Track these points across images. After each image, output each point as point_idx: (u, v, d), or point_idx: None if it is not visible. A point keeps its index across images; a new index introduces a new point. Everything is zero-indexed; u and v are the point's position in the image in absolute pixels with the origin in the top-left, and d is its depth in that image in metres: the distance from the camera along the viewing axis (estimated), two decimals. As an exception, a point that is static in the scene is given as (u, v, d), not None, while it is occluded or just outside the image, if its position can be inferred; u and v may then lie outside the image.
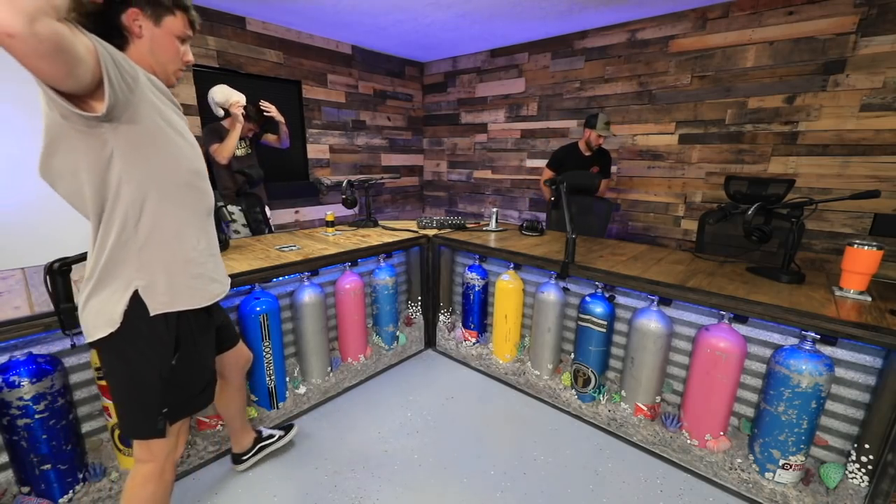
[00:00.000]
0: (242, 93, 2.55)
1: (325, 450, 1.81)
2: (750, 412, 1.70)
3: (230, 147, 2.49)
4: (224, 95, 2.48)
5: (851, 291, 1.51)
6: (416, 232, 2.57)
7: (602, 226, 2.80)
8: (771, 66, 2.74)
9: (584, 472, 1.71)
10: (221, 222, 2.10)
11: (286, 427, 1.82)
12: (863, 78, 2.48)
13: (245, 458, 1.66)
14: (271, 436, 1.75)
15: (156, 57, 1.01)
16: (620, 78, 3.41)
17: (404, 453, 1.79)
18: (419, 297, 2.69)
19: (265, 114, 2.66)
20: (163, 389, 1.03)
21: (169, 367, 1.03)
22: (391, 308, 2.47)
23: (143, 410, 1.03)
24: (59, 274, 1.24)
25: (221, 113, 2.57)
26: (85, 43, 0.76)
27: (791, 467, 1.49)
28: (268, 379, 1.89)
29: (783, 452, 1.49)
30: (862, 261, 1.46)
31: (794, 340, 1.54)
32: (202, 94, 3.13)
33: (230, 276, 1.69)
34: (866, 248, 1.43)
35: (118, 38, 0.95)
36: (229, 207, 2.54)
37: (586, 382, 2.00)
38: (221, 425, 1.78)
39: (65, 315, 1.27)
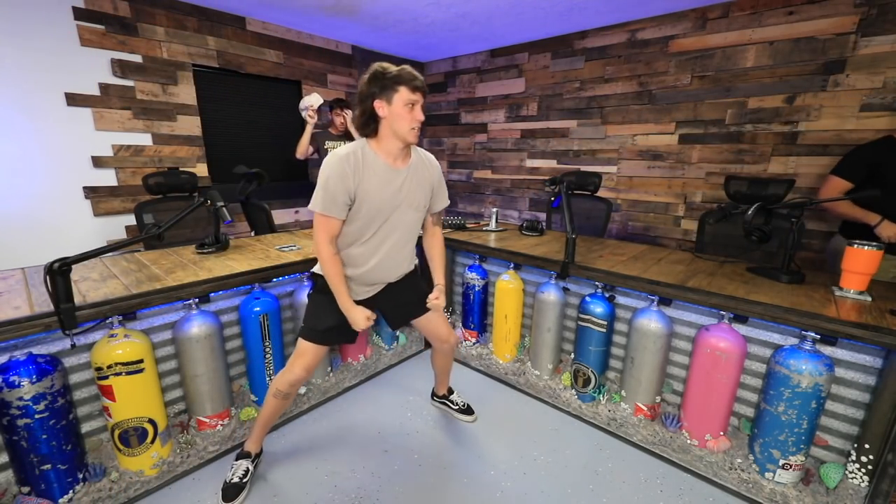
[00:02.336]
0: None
1: (325, 450, 1.81)
2: (750, 412, 1.70)
3: (300, 145, 3.19)
4: (302, 103, 3.12)
5: (851, 291, 1.51)
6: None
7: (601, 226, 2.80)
8: (771, 66, 2.74)
9: (584, 472, 1.71)
10: (222, 222, 2.09)
11: (468, 410, 2.00)
12: (863, 78, 2.48)
13: (436, 398, 2.05)
14: (455, 403, 2.00)
15: (397, 124, 1.37)
16: (620, 78, 3.41)
17: (404, 453, 1.79)
18: (419, 297, 2.69)
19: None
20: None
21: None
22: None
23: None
24: (60, 274, 1.24)
25: (306, 117, 3.13)
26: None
27: (791, 467, 1.50)
28: (268, 379, 1.89)
29: (783, 452, 1.49)
30: (862, 261, 1.46)
31: (794, 340, 1.55)
32: (202, 95, 3.14)
33: (230, 276, 1.70)
34: (866, 248, 1.44)
35: (374, 123, 1.39)
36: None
37: (586, 382, 2.00)
38: (221, 425, 1.78)
39: (65, 315, 1.27)
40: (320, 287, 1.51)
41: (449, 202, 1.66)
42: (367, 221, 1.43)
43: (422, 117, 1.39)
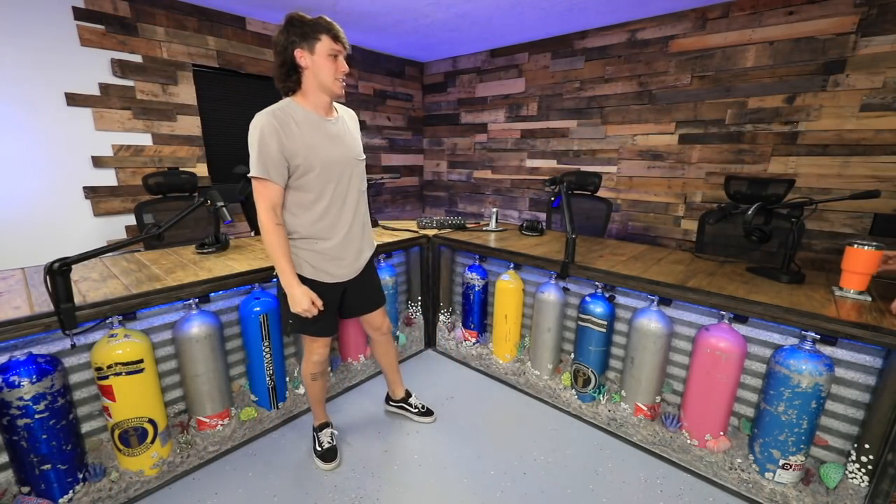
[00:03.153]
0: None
1: (325, 450, 1.81)
2: (750, 412, 1.70)
3: None
4: None
5: (851, 291, 1.51)
6: (416, 232, 2.57)
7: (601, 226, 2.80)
8: (771, 66, 2.74)
9: (584, 472, 1.71)
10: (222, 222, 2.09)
11: (428, 412, 2.01)
12: (863, 78, 2.48)
13: (392, 403, 2.04)
14: (414, 406, 2.00)
15: (321, 74, 1.32)
16: (620, 78, 3.41)
17: (404, 453, 1.79)
18: (419, 297, 2.69)
19: None
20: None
21: None
22: (391, 308, 2.47)
23: None
24: (60, 274, 1.24)
25: None
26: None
27: (791, 467, 1.50)
28: (268, 379, 1.89)
29: (783, 452, 1.49)
30: (862, 261, 1.46)
31: (794, 340, 1.55)
32: (202, 95, 3.13)
33: (230, 276, 1.70)
34: (866, 248, 1.44)
35: (295, 74, 1.33)
36: None
37: (586, 382, 2.00)
38: (221, 426, 1.78)
39: (65, 315, 1.27)
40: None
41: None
42: (324, 181, 1.38)
43: (346, 69, 1.35)
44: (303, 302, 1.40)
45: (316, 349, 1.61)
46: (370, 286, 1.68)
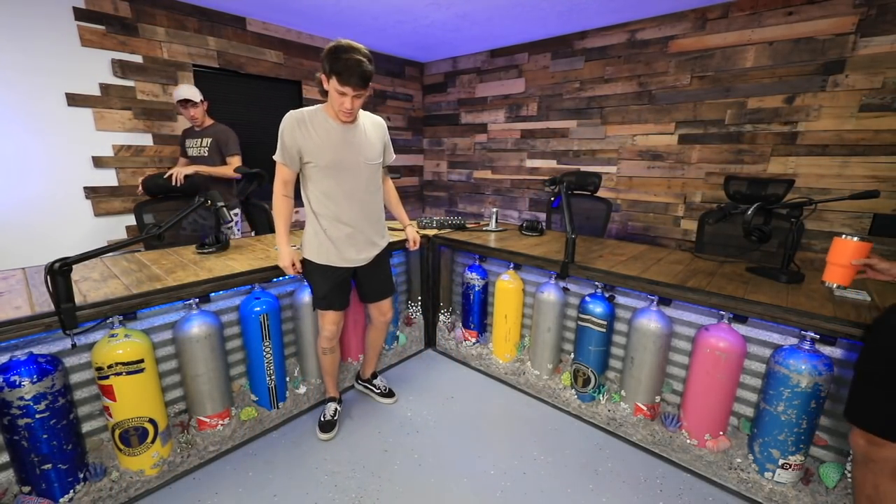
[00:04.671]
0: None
1: (325, 450, 1.81)
2: (749, 412, 1.70)
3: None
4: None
5: (849, 290, 1.51)
6: (416, 232, 2.57)
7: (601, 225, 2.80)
8: (770, 66, 2.75)
9: (583, 471, 1.71)
10: (222, 222, 2.10)
11: (390, 394, 2.15)
12: (862, 78, 2.49)
13: (359, 381, 2.21)
14: (378, 387, 2.15)
15: (331, 102, 1.56)
16: (620, 78, 3.42)
17: (404, 453, 1.80)
18: (419, 297, 2.69)
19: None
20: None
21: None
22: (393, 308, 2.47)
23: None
24: (60, 274, 1.24)
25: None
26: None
27: (790, 467, 1.50)
28: (268, 379, 1.90)
29: (782, 452, 1.49)
30: (849, 253, 1.35)
31: (793, 340, 1.55)
32: (203, 95, 3.13)
33: (230, 276, 1.70)
34: (855, 239, 1.33)
35: (322, 87, 1.55)
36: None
37: (586, 382, 2.00)
38: (222, 425, 1.79)
39: (65, 315, 1.28)
40: (310, 264, 1.75)
41: (394, 157, 1.87)
42: (332, 177, 1.63)
43: (347, 107, 1.52)
44: (284, 259, 1.69)
45: (325, 325, 1.83)
46: (380, 277, 1.89)
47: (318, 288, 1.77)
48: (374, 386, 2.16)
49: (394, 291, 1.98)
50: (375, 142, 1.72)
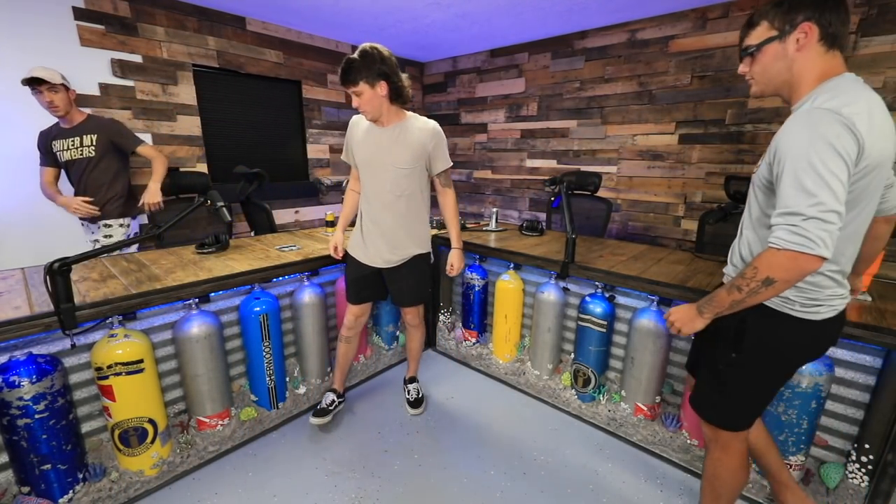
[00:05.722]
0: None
1: (325, 450, 1.81)
2: (750, 412, 1.70)
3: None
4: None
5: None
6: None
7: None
8: (771, 66, 2.74)
9: (584, 471, 1.71)
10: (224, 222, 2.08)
11: (414, 404, 2.08)
12: (862, 78, 2.48)
13: (408, 382, 2.17)
14: (408, 392, 2.13)
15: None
16: (620, 78, 3.41)
17: (404, 453, 1.79)
18: (419, 297, 2.69)
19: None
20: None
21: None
22: (391, 308, 2.47)
23: None
24: (60, 274, 1.24)
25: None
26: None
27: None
28: (268, 379, 1.90)
29: (783, 452, 1.49)
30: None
31: (793, 340, 1.54)
32: (202, 95, 3.14)
33: (230, 276, 1.70)
34: None
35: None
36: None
37: (586, 382, 2.00)
38: (221, 425, 1.78)
39: (65, 315, 1.27)
40: (345, 253, 1.89)
41: (450, 164, 1.79)
42: (365, 175, 1.75)
43: (356, 104, 1.60)
44: (331, 240, 1.91)
45: (347, 314, 1.92)
46: (403, 284, 1.86)
47: (347, 277, 1.89)
48: (406, 391, 2.13)
49: (420, 301, 1.94)
50: (415, 146, 1.68)
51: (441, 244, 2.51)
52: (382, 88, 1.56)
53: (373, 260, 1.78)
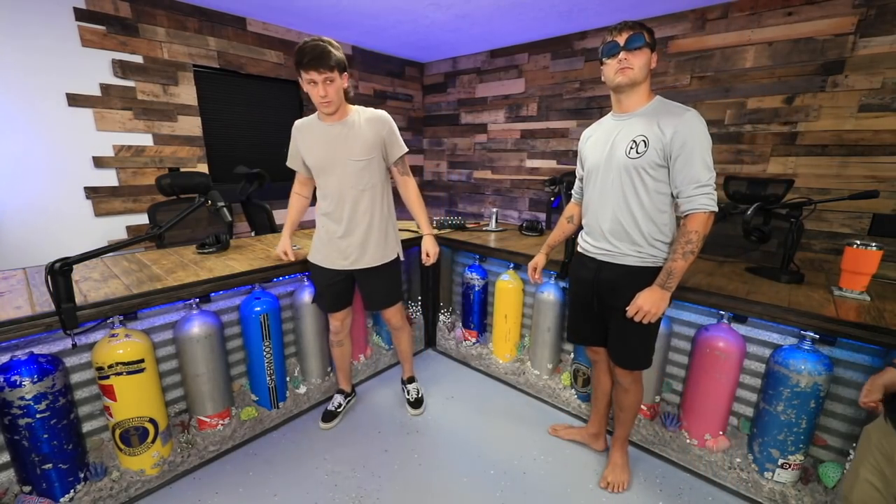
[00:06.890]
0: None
1: (326, 449, 1.81)
2: (749, 412, 1.71)
3: None
4: None
5: (853, 292, 1.51)
6: (416, 232, 2.57)
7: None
8: (770, 66, 2.75)
9: (584, 471, 1.71)
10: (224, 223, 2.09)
11: (414, 404, 2.09)
12: (861, 79, 2.49)
13: (407, 382, 2.15)
14: (408, 392, 2.12)
15: (313, 100, 1.54)
16: (620, 78, 3.41)
17: (404, 453, 1.80)
18: (419, 297, 2.69)
19: None
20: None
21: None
22: (391, 308, 2.47)
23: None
24: (61, 274, 1.24)
25: None
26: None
27: (790, 467, 1.50)
28: (268, 379, 1.90)
29: (782, 452, 1.49)
30: (862, 261, 1.46)
31: (793, 340, 1.55)
32: (203, 95, 3.14)
33: (231, 276, 1.70)
34: (867, 248, 1.43)
35: (308, 98, 1.61)
36: None
37: (586, 382, 2.01)
38: (222, 425, 1.79)
39: (66, 315, 1.28)
40: (308, 262, 1.82)
41: (406, 150, 1.72)
42: (318, 171, 1.69)
43: (321, 94, 1.49)
44: (279, 246, 1.85)
45: (331, 321, 1.91)
46: (377, 285, 1.82)
47: (315, 287, 1.88)
48: (406, 391, 2.13)
49: (394, 302, 1.89)
50: (368, 137, 1.61)
51: (441, 244, 2.51)
52: (345, 79, 1.54)
53: (337, 263, 1.72)
